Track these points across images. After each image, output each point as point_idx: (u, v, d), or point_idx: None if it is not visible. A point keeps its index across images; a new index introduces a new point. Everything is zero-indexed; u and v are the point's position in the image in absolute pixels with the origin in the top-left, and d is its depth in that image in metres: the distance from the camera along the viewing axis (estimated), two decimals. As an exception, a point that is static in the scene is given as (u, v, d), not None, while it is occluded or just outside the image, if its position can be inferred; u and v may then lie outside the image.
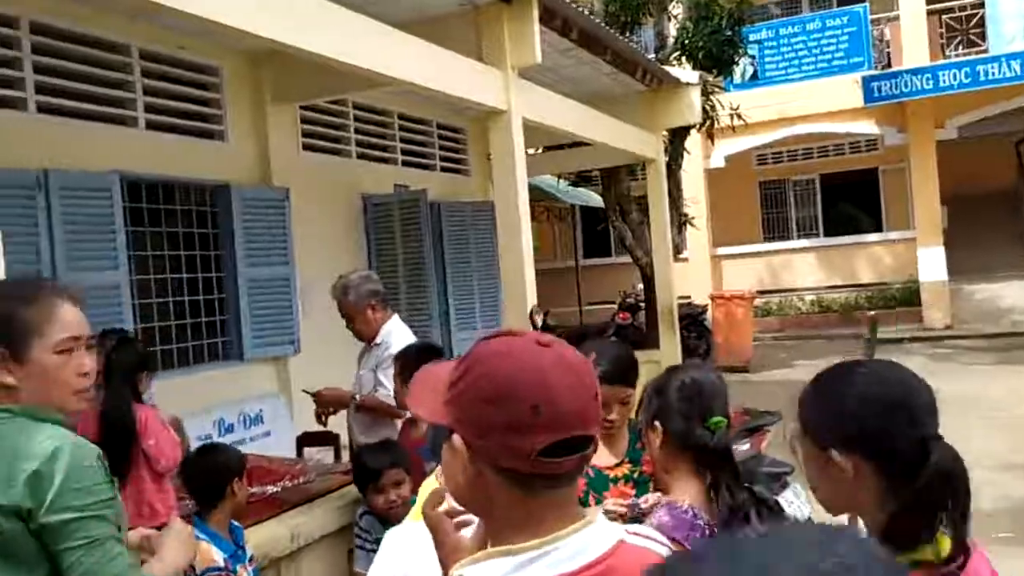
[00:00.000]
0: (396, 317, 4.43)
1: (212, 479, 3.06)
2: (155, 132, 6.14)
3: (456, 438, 1.19)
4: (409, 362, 3.56)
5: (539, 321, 5.53)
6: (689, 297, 15.03)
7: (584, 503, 2.27)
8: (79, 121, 5.59)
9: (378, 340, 4.29)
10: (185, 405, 6.16)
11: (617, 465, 2.52)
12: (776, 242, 19.12)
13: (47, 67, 5.36)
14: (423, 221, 8.30)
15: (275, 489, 4.11)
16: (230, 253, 6.70)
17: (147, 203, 6.23)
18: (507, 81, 6.33)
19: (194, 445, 6.12)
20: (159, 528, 3.69)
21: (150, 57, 6.13)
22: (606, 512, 2.09)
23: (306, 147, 7.67)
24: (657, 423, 2.07)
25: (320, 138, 7.87)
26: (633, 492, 2.44)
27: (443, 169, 9.87)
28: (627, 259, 18.44)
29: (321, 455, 6.07)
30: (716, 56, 11.86)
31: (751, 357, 13.04)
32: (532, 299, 6.35)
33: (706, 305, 14.22)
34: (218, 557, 2.94)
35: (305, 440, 5.99)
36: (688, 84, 9.72)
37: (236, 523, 3.20)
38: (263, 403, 6.80)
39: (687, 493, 1.99)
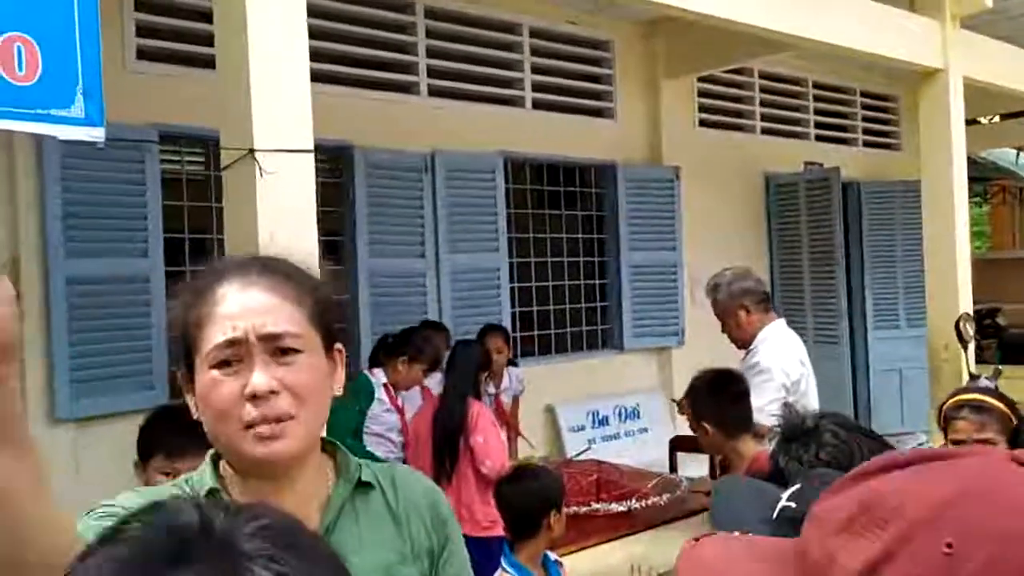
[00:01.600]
0: (779, 322, 3.68)
1: (525, 509, 2.66)
2: (541, 112, 5.99)
3: None
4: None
5: (970, 332, 4.35)
6: None
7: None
8: (466, 103, 5.60)
9: (751, 347, 3.60)
10: (559, 394, 5.99)
11: None
12: None
13: (439, 51, 5.43)
14: (834, 204, 7.23)
15: (620, 508, 3.62)
16: (613, 236, 6.37)
17: (530, 184, 6.12)
18: (944, 34, 5.12)
19: (567, 437, 5.99)
20: (477, 540, 3.47)
21: (540, 35, 5.98)
22: None
23: (702, 123, 7.06)
24: None
25: (718, 112, 7.20)
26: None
27: (867, 144, 8.60)
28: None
29: (695, 466, 5.50)
30: None
31: None
32: (966, 297, 5.10)
33: None
34: (522, 596, 2.54)
35: (679, 444, 5.44)
36: None
37: (553, 556, 2.77)
38: (641, 397, 6.40)
39: None
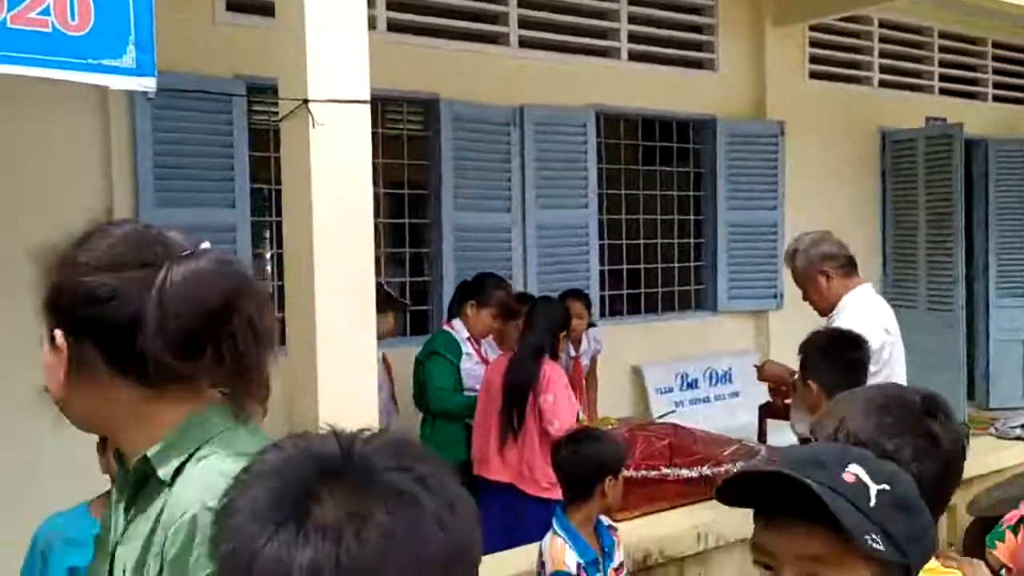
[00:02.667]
0: (864, 287, 3.45)
1: (579, 473, 2.59)
2: (638, 64, 5.78)
3: None
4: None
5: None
6: None
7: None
8: (559, 55, 5.46)
9: (832, 314, 3.39)
10: (648, 355, 5.87)
11: None
12: None
13: (530, 0, 5.29)
14: (954, 162, 6.75)
15: (692, 474, 3.52)
16: (711, 194, 6.14)
17: (624, 139, 5.95)
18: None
19: (654, 399, 5.86)
20: (536, 500, 3.42)
21: (639, -19, 5.75)
22: None
23: (813, 75, 6.68)
24: None
25: (832, 64, 6.79)
26: None
27: (996, 99, 7.97)
28: None
29: (785, 434, 5.30)
30: None
31: None
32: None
33: None
34: (571, 561, 2.48)
35: (768, 411, 5.26)
36: None
37: (607, 522, 2.70)
38: (735, 360, 6.19)
39: None
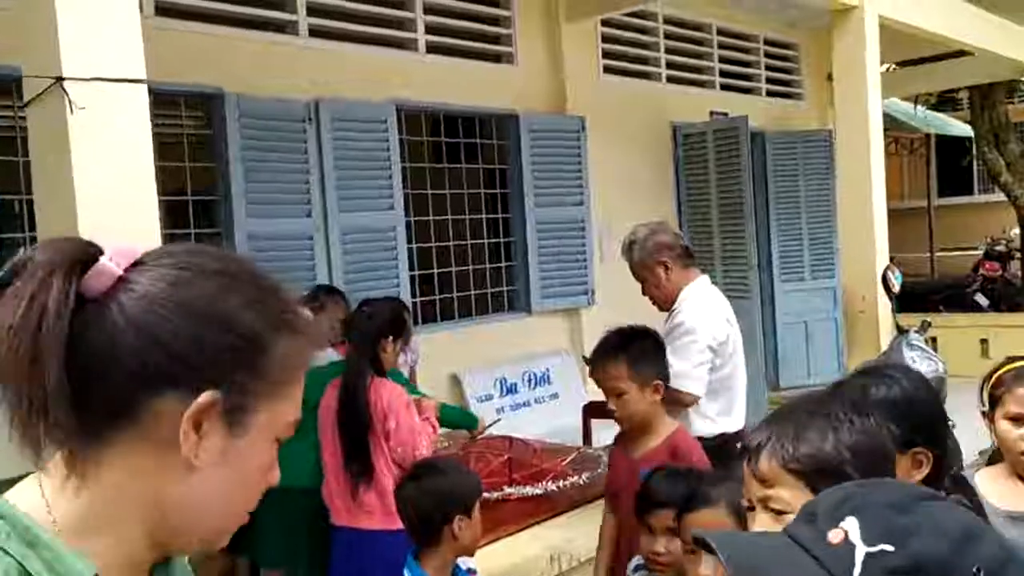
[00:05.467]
0: (702, 278, 3.34)
1: (426, 513, 2.22)
2: (436, 56, 5.49)
3: None
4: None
5: (895, 282, 4.13)
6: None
7: None
8: (353, 46, 5.06)
9: (674, 307, 3.25)
10: (465, 361, 5.59)
11: None
12: None
13: (319, -14, 4.87)
14: (743, 154, 6.99)
15: (536, 491, 3.26)
16: (517, 191, 5.96)
17: (426, 136, 5.63)
18: (859, -33, 4.86)
19: (475, 408, 5.57)
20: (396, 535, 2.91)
21: (432, -29, 5.46)
22: None
23: (607, 69, 6.69)
24: None
25: (623, 59, 6.84)
26: None
27: (770, 94, 8.41)
28: (990, 198, 15.51)
29: (610, 433, 5.20)
30: None
31: None
32: (883, 250, 4.92)
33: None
34: (427, 613, 2.13)
35: (593, 410, 5.12)
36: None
37: (467, 565, 2.36)
38: (551, 361, 6.06)
39: None
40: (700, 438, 3.25)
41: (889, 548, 0.75)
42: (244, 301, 0.76)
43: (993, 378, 1.93)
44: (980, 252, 12.87)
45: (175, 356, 0.72)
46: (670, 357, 3.21)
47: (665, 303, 3.32)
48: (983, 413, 1.96)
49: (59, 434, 0.70)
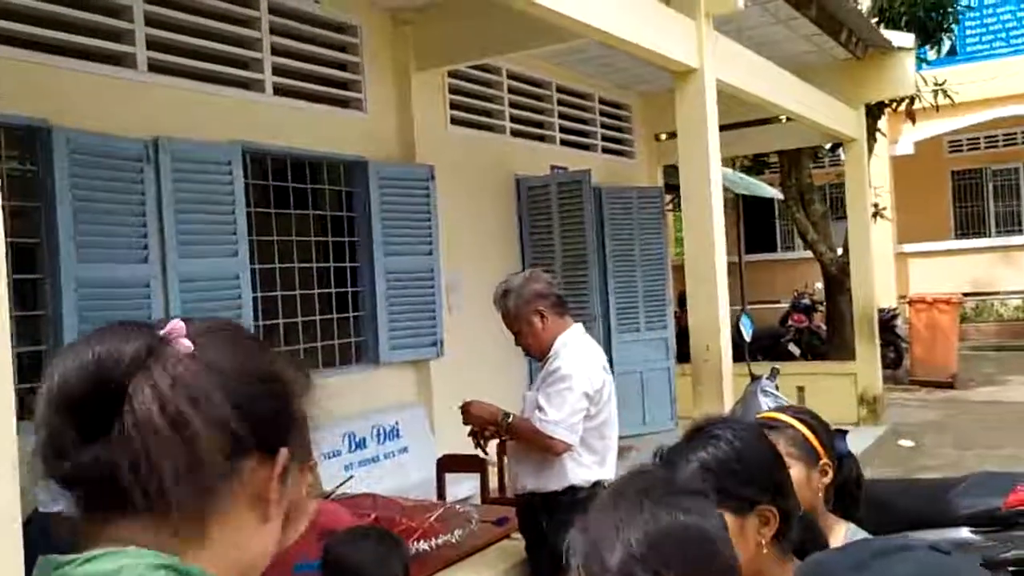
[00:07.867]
0: (576, 327, 3.33)
1: None
2: (284, 98, 5.30)
3: None
4: None
5: (747, 332, 4.31)
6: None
7: None
8: (196, 83, 4.79)
9: (550, 354, 3.22)
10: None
11: None
12: (971, 239, 16.92)
13: (159, 19, 4.58)
14: (586, 207, 7.18)
15: (411, 551, 3.08)
16: (366, 240, 5.80)
17: (272, 180, 5.40)
18: (700, 32, 5.13)
19: (323, 465, 5.31)
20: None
21: (280, 12, 5.29)
22: None
23: (454, 120, 6.71)
24: None
25: (470, 111, 6.89)
26: None
27: (605, 151, 8.74)
28: (794, 255, 16.80)
29: (464, 486, 5.09)
30: (922, 22, 10.17)
31: (956, 372, 11.21)
32: (724, 300, 5.14)
33: (894, 309, 12.48)
34: None
35: (447, 464, 5.00)
36: (900, 49, 8.16)
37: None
38: (400, 414, 5.88)
39: None
40: (574, 487, 3.24)
41: None
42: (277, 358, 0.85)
43: None
44: (785, 305, 13.87)
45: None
46: (545, 405, 3.19)
47: (540, 352, 3.29)
48: None
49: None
